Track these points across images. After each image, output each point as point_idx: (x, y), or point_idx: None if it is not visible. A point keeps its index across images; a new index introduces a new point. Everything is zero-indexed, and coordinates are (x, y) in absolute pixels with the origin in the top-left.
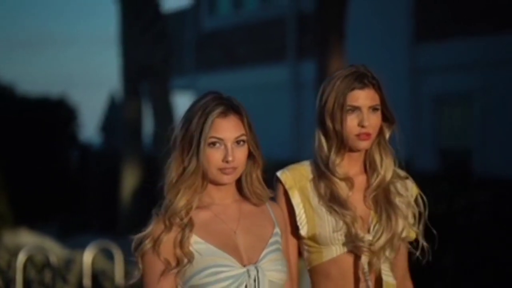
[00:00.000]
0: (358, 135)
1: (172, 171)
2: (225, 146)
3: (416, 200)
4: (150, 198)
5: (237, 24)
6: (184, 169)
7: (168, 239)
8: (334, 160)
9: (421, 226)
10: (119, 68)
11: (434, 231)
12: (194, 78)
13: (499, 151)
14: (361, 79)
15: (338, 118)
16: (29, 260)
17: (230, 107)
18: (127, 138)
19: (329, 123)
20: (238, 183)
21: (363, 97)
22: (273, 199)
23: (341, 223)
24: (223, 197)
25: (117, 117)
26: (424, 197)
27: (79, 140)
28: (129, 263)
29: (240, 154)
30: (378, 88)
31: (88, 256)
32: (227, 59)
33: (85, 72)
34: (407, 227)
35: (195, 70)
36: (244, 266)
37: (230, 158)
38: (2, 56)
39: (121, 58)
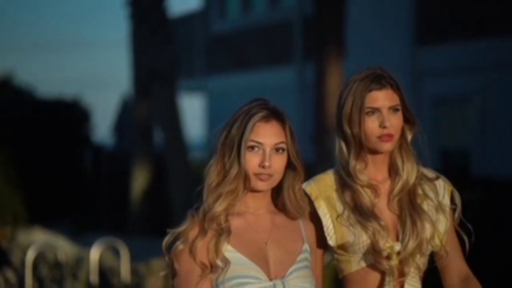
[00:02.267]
0: (380, 137)
1: (212, 175)
2: (264, 151)
3: (452, 198)
4: (160, 198)
5: (246, 27)
6: (225, 173)
7: (203, 244)
8: (354, 165)
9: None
10: (129, 70)
11: (471, 228)
12: (204, 80)
13: (497, 153)
14: (379, 80)
15: (356, 122)
16: (42, 258)
17: (273, 113)
18: (137, 139)
19: (346, 128)
20: (274, 194)
21: (382, 98)
22: None
23: (365, 234)
24: (258, 207)
25: (129, 119)
26: (458, 194)
27: (92, 141)
28: (134, 260)
29: (278, 162)
30: (396, 88)
31: (95, 253)
32: (236, 61)
33: (99, 74)
34: (434, 233)
35: (206, 72)
36: (271, 280)
37: (266, 164)
38: (19, 59)
39: (130, 61)
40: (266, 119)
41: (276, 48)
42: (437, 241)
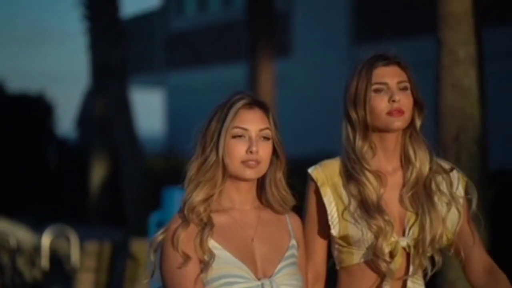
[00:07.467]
0: (389, 113)
1: (193, 169)
2: (250, 137)
3: (467, 189)
4: (117, 189)
5: (202, 25)
6: (204, 162)
7: (187, 237)
8: (361, 147)
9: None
10: (87, 66)
11: (482, 221)
12: (163, 75)
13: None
14: (384, 57)
15: (361, 101)
16: (2, 246)
17: (255, 101)
18: (96, 133)
19: (352, 111)
20: (259, 190)
21: (390, 73)
22: (296, 207)
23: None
24: (243, 202)
25: (90, 113)
26: (473, 186)
27: (55, 135)
28: (83, 247)
29: (264, 149)
30: (404, 67)
31: (46, 240)
32: (194, 57)
33: (64, 68)
34: (443, 231)
35: (165, 67)
36: (259, 278)
37: (254, 148)
38: None
39: (87, 57)
40: (249, 105)
41: (230, 45)
42: (444, 239)
